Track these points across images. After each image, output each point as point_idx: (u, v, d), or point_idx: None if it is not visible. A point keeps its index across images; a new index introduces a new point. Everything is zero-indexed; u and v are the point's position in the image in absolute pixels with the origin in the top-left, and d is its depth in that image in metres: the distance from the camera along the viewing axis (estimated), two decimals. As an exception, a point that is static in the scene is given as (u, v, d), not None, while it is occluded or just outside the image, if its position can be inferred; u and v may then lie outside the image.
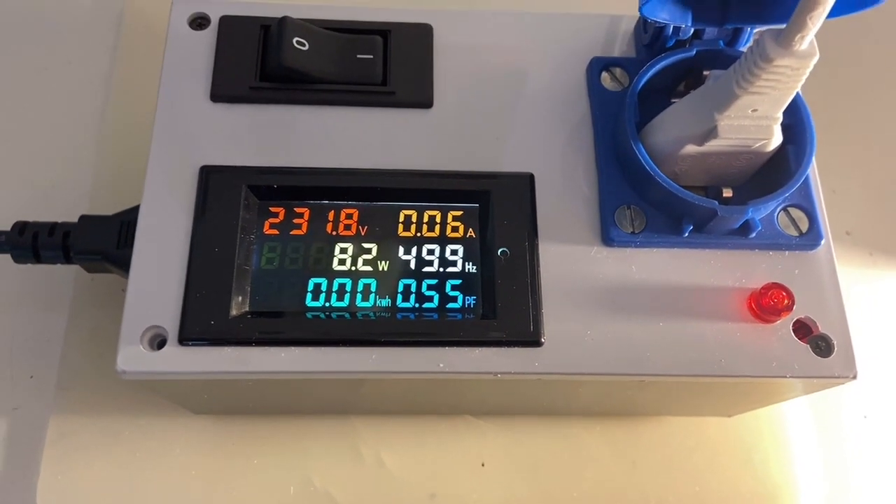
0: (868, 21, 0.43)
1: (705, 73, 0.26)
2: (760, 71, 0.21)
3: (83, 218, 0.31)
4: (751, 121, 0.23)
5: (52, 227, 0.30)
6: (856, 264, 0.39)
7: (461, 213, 0.26)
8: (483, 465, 0.34)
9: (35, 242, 0.30)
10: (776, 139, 0.24)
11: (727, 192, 0.26)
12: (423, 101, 0.28)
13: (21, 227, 0.31)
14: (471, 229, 0.26)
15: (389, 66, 0.28)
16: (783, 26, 0.21)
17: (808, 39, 0.20)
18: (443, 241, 0.26)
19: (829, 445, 0.35)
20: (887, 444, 0.35)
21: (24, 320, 0.35)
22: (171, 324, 0.24)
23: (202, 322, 0.24)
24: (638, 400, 0.31)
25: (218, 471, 0.33)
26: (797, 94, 0.26)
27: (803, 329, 0.25)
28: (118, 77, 0.40)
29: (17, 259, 0.31)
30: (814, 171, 0.27)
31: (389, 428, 0.34)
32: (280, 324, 0.24)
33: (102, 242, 0.30)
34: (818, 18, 0.19)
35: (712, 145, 0.24)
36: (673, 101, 0.28)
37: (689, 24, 0.26)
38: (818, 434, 0.35)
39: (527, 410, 0.34)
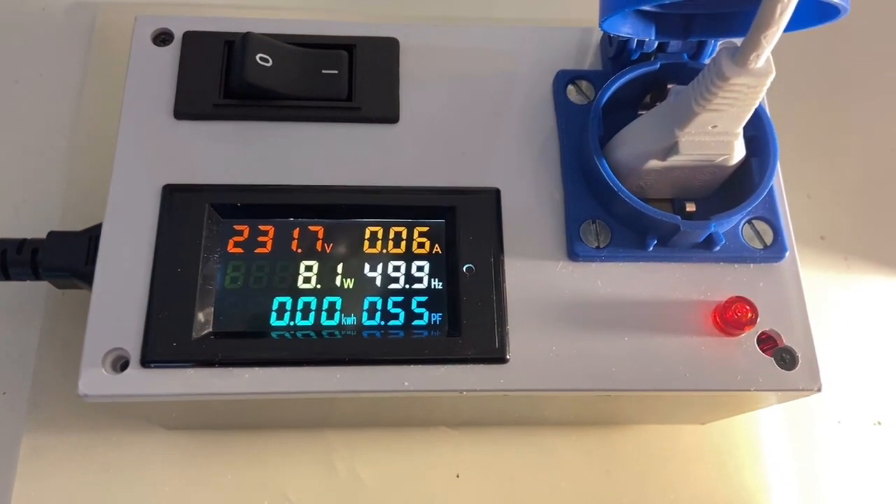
0: (841, 24, 0.43)
1: (669, 86, 0.26)
2: (717, 89, 0.21)
3: (51, 234, 0.30)
4: (711, 137, 0.23)
5: (21, 244, 0.30)
6: (830, 269, 0.39)
7: (427, 228, 0.26)
8: (458, 476, 0.34)
9: (3, 259, 0.30)
10: (738, 153, 0.24)
11: (690, 207, 0.26)
12: (389, 116, 0.28)
13: (-12, 245, 0.30)
14: (437, 245, 0.26)
15: (355, 81, 0.28)
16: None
17: (763, 57, 0.20)
18: (409, 257, 0.26)
19: (804, 452, 0.35)
20: (861, 449, 0.36)
21: (-5, 337, 0.35)
22: (133, 345, 0.24)
23: (165, 343, 0.24)
24: (610, 410, 0.31)
25: (192, 486, 0.32)
26: (760, 106, 0.26)
27: (768, 342, 0.25)
28: (90, 89, 0.39)
29: (-14, 276, 0.31)
30: (779, 182, 0.27)
31: (364, 440, 0.34)
32: (244, 344, 0.24)
33: (71, 259, 0.29)
34: (773, 37, 0.19)
35: (674, 160, 0.24)
36: (639, 113, 0.28)
37: (653, 38, 0.26)
38: (792, 440, 0.35)
39: (500, 421, 0.34)
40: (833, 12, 0.21)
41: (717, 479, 0.34)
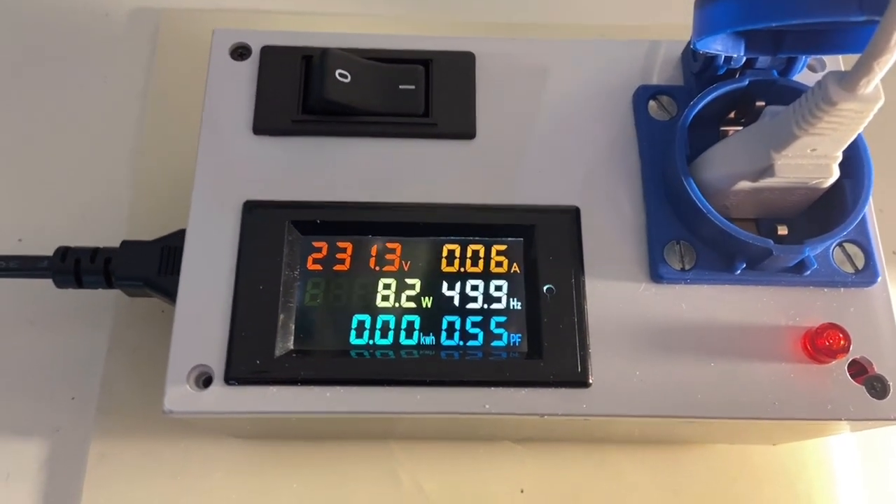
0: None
1: (758, 103, 0.26)
2: (823, 113, 0.20)
3: (125, 243, 0.31)
4: (809, 160, 0.22)
5: (94, 253, 0.31)
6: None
7: (505, 247, 0.26)
8: (522, 491, 0.33)
9: (77, 268, 0.30)
10: (834, 176, 0.23)
11: (782, 230, 0.25)
12: (466, 132, 0.27)
13: (63, 253, 0.31)
14: (515, 264, 0.26)
15: (431, 97, 0.28)
16: (838, 56, 0.20)
17: (873, 83, 0.19)
18: (487, 276, 0.26)
19: (876, 475, 0.34)
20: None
21: (65, 342, 0.35)
22: (216, 362, 0.24)
23: (248, 361, 0.24)
24: (682, 431, 0.30)
25: (258, 494, 0.33)
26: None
27: (859, 369, 0.24)
28: (154, 94, 0.40)
29: (60, 284, 0.31)
30: (870, 204, 0.26)
31: (428, 453, 0.34)
32: (324, 363, 0.24)
33: (144, 268, 0.30)
34: (885, 64, 0.19)
35: (767, 182, 0.23)
36: (722, 129, 0.27)
37: (742, 54, 0.25)
38: (863, 464, 0.34)
39: (567, 438, 0.33)
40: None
41: (787, 500, 0.33)
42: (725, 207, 0.26)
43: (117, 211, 0.37)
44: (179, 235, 0.27)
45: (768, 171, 0.23)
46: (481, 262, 0.26)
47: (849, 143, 0.22)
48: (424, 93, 0.28)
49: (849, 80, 0.20)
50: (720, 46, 0.24)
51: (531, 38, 0.29)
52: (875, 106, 0.20)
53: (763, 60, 0.26)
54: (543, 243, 0.26)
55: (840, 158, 0.23)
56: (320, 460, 0.33)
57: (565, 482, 0.33)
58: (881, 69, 0.19)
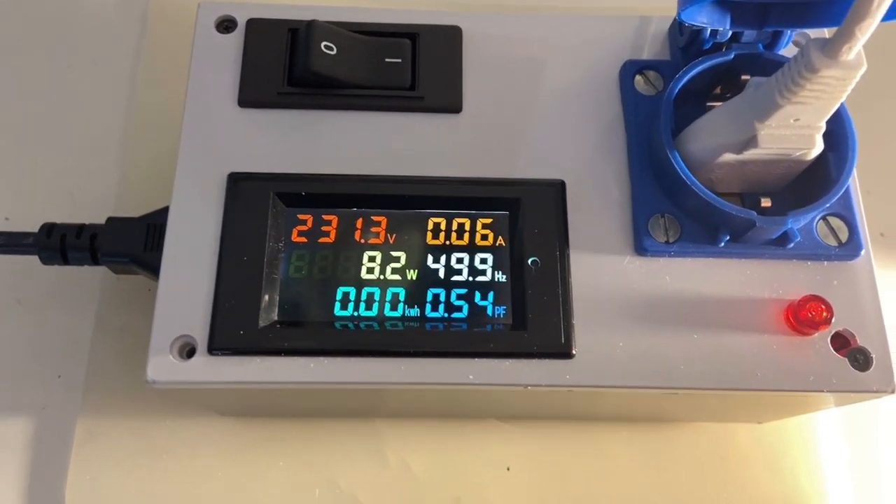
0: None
1: (743, 77, 0.26)
2: (805, 81, 0.20)
3: (110, 220, 0.31)
4: (792, 130, 0.22)
5: (80, 229, 0.30)
6: (891, 266, 0.38)
7: (491, 220, 0.26)
8: (508, 469, 0.33)
9: (63, 244, 0.30)
10: (818, 148, 0.24)
11: (766, 202, 0.25)
12: (452, 105, 0.27)
13: (49, 229, 0.31)
14: (500, 237, 0.26)
15: (418, 70, 0.28)
16: (824, 30, 0.20)
17: (855, 50, 0.19)
18: (472, 249, 0.26)
19: (861, 453, 0.34)
20: (920, 452, 0.35)
21: (51, 320, 0.35)
22: (200, 333, 0.24)
23: (231, 332, 0.24)
24: (667, 408, 0.30)
25: (244, 472, 0.33)
26: (839, 98, 0.25)
27: (841, 342, 0.25)
28: (143, 75, 0.40)
29: (45, 260, 0.31)
30: (854, 178, 0.26)
31: (415, 431, 0.34)
32: (309, 334, 0.24)
33: (130, 245, 0.30)
34: (867, 29, 0.19)
35: (751, 154, 0.23)
36: (708, 104, 0.27)
37: (728, 28, 0.25)
38: (848, 441, 0.34)
39: (553, 416, 0.33)
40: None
41: (772, 479, 0.33)
42: (710, 181, 0.26)
43: (105, 189, 0.37)
44: (165, 212, 0.27)
45: (752, 141, 0.23)
46: (467, 235, 0.26)
47: (832, 112, 0.22)
48: (411, 66, 0.28)
49: (831, 47, 0.20)
50: (705, 19, 0.24)
51: (518, 13, 0.29)
52: (857, 73, 0.20)
53: (749, 34, 0.26)
54: (529, 216, 0.26)
55: (823, 129, 0.23)
56: (307, 439, 0.33)
57: (551, 460, 0.34)
58: (863, 35, 0.19)
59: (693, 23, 0.24)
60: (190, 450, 0.33)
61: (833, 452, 0.34)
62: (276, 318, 0.24)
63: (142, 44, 0.41)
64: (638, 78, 0.28)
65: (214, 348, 0.23)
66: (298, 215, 0.26)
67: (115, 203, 0.37)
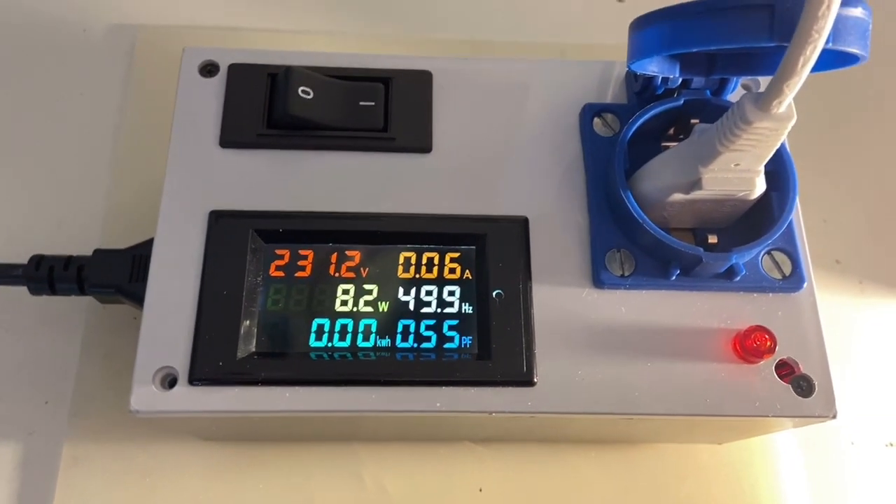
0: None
1: (692, 121, 0.27)
2: (741, 132, 0.22)
3: (97, 252, 0.32)
4: (733, 174, 0.24)
5: (67, 261, 0.32)
6: (846, 293, 0.40)
7: (458, 254, 0.28)
8: (481, 490, 0.35)
9: (51, 276, 0.32)
10: (759, 189, 0.25)
11: (712, 238, 0.27)
12: (423, 146, 0.29)
13: (38, 261, 0.32)
14: (468, 271, 0.27)
15: (390, 112, 0.29)
16: (767, 78, 0.22)
17: (785, 104, 0.21)
18: (441, 282, 0.27)
19: (817, 472, 0.36)
20: (874, 469, 0.36)
21: (39, 347, 0.36)
22: (181, 364, 0.25)
23: (211, 363, 0.25)
24: (630, 430, 0.32)
25: (226, 495, 0.34)
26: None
27: (786, 369, 0.26)
28: (129, 109, 0.41)
29: (34, 291, 0.32)
30: (798, 214, 0.28)
31: (391, 454, 0.35)
32: (285, 364, 0.26)
33: (116, 276, 0.31)
34: (794, 86, 0.21)
35: (697, 194, 0.25)
36: (663, 144, 0.29)
37: (677, 76, 0.27)
38: (806, 460, 0.36)
39: (523, 438, 0.35)
40: (852, 59, 0.22)
41: (733, 497, 0.35)
42: (664, 218, 0.27)
43: (92, 221, 0.38)
44: (150, 244, 0.28)
45: (697, 184, 0.25)
46: (436, 269, 0.27)
47: (769, 157, 0.24)
48: (384, 109, 0.29)
49: (763, 101, 0.21)
50: (656, 68, 0.26)
51: (486, 58, 0.31)
52: (788, 124, 0.22)
53: (698, 81, 0.28)
54: (494, 251, 0.27)
55: (762, 172, 0.25)
56: (286, 462, 0.34)
57: (522, 481, 0.35)
58: (791, 91, 0.21)
59: (643, 72, 0.26)
60: (174, 474, 0.34)
61: (791, 471, 0.36)
62: (253, 349, 0.26)
63: (130, 77, 0.42)
64: (596, 120, 0.29)
65: (195, 379, 0.25)
66: (276, 250, 0.27)
67: (102, 234, 0.38)
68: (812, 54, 0.19)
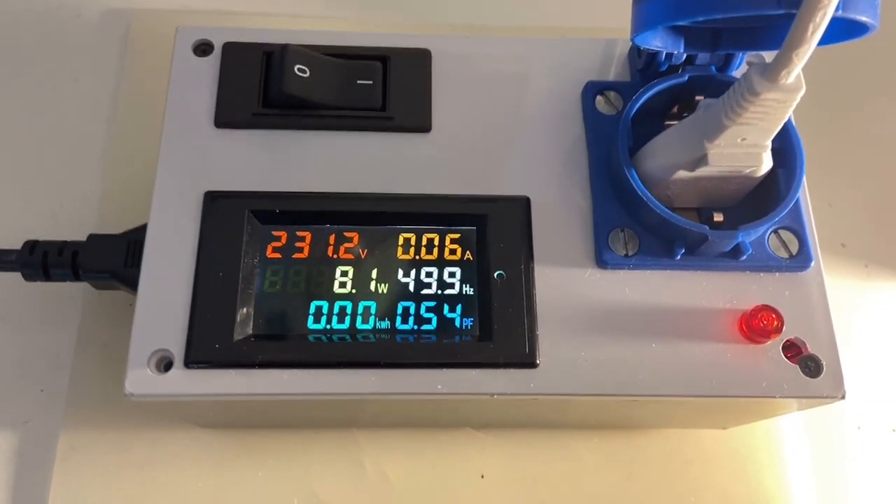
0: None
1: (697, 98, 0.27)
2: (748, 104, 0.22)
3: (91, 237, 0.31)
4: (740, 149, 0.24)
5: (62, 247, 0.31)
6: (851, 276, 0.40)
7: (459, 235, 0.27)
8: (483, 476, 0.34)
9: (45, 261, 0.31)
10: (766, 165, 0.25)
11: (718, 217, 0.27)
12: (422, 125, 0.28)
13: (31, 247, 0.31)
14: (468, 252, 0.27)
15: (389, 92, 0.29)
16: (773, 53, 0.21)
17: (794, 74, 0.21)
18: (441, 263, 0.27)
19: (823, 456, 0.36)
20: (880, 454, 0.36)
21: (34, 335, 0.36)
22: (177, 347, 0.25)
23: (207, 345, 0.25)
24: (634, 414, 0.31)
25: (225, 483, 0.33)
26: (788, 118, 0.26)
27: (793, 350, 0.26)
28: (124, 94, 0.41)
29: (28, 277, 0.32)
30: (804, 193, 0.28)
31: (392, 441, 0.34)
32: (282, 347, 0.25)
33: (111, 261, 0.30)
34: (804, 55, 0.20)
35: (703, 171, 0.25)
36: (667, 123, 0.29)
37: (682, 51, 0.26)
38: (812, 445, 0.36)
39: (526, 424, 0.34)
40: (862, 29, 0.21)
41: (738, 483, 0.35)
42: (668, 196, 0.27)
43: (88, 209, 0.38)
44: (145, 229, 0.28)
45: (703, 160, 0.24)
46: (436, 250, 0.27)
47: (776, 131, 0.23)
48: (382, 88, 0.29)
49: (771, 72, 0.21)
50: (659, 43, 0.25)
51: (486, 37, 0.30)
52: (797, 95, 0.21)
53: (703, 57, 0.27)
54: (495, 231, 0.27)
55: (769, 147, 0.24)
56: (286, 450, 0.34)
57: (524, 467, 0.34)
58: (800, 60, 0.20)
59: (647, 47, 0.25)
60: (171, 462, 0.33)
61: (797, 456, 0.35)
62: (251, 331, 0.25)
63: (124, 63, 0.41)
64: (599, 98, 0.29)
65: (191, 362, 0.24)
66: (273, 232, 0.27)
67: (98, 220, 0.37)
68: (822, 21, 0.19)
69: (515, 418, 0.33)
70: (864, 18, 0.20)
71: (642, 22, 0.23)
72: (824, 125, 0.43)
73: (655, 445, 0.35)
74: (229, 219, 0.26)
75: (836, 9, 0.19)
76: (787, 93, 0.21)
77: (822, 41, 0.21)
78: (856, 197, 0.41)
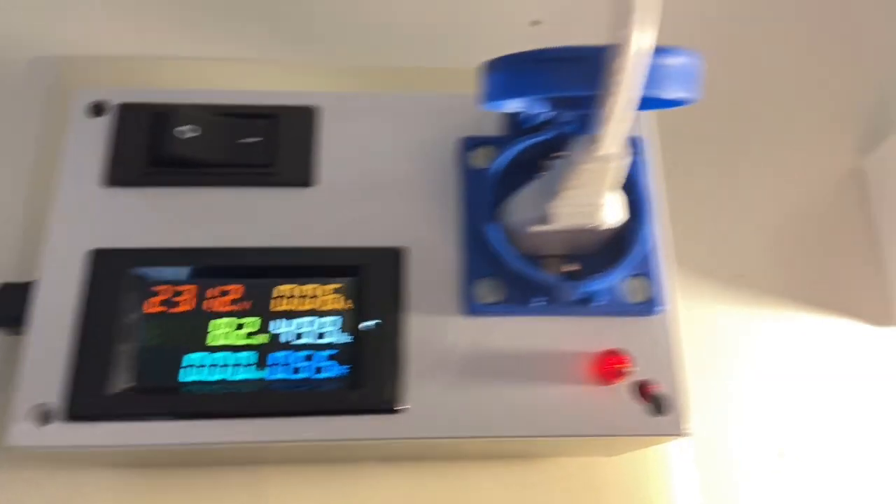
0: (762, 78, 0.45)
1: (553, 155, 0.29)
2: (574, 170, 0.23)
3: (5, 285, 0.33)
4: (577, 208, 0.25)
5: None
6: (747, 305, 0.42)
7: (336, 286, 0.29)
8: (385, 508, 0.36)
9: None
10: (611, 218, 0.27)
11: (571, 267, 0.28)
12: (306, 179, 0.30)
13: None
14: (345, 302, 0.28)
15: (275, 148, 0.30)
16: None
17: (608, 147, 0.23)
18: (318, 314, 0.28)
19: (711, 481, 0.37)
20: (764, 478, 0.38)
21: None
22: (57, 400, 0.26)
23: (87, 399, 0.26)
24: (521, 447, 0.33)
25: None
26: (638, 174, 0.28)
27: (643, 390, 0.27)
28: (48, 142, 0.42)
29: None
30: (662, 239, 0.29)
31: (297, 476, 0.36)
32: (160, 399, 0.26)
33: (22, 309, 0.32)
34: (614, 132, 0.22)
35: (551, 227, 0.26)
36: (538, 175, 0.31)
37: (544, 111, 0.28)
38: (700, 470, 0.37)
39: (426, 456, 0.36)
40: (679, 102, 0.23)
41: (629, 507, 0.36)
42: (535, 246, 0.29)
43: (7, 256, 0.39)
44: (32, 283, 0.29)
45: (548, 218, 0.26)
46: (313, 301, 0.28)
47: (606, 192, 0.25)
48: (269, 144, 0.30)
49: (589, 145, 0.23)
50: (519, 105, 0.27)
51: (370, 93, 0.32)
52: (614, 164, 0.23)
53: (568, 114, 0.29)
54: (371, 282, 0.28)
55: (605, 204, 0.26)
56: (195, 487, 0.35)
57: (427, 498, 0.36)
58: (610, 136, 0.22)
59: (500, 111, 0.27)
60: (82, 500, 0.35)
61: (685, 482, 0.37)
62: (129, 384, 0.27)
63: (48, 112, 0.43)
64: (472, 153, 0.31)
65: (70, 414, 0.26)
66: (155, 287, 0.28)
67: (18, 268, 0.38)
68: (625, 104, 0.21)
69: (412, 453, 0.34)
70: (674, 96, 0.22)
71: (485, 93, 0.24)
72: (724, 162, 0.45)
73: (550, 474, 0.37)
74: (112, 276, 0.28)
75: (646, 88, 0.21)
76: (604, 162, 0.23)
77: (648, 107, 0.23)
78: (753, 230, 0.43)
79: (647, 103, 0.23)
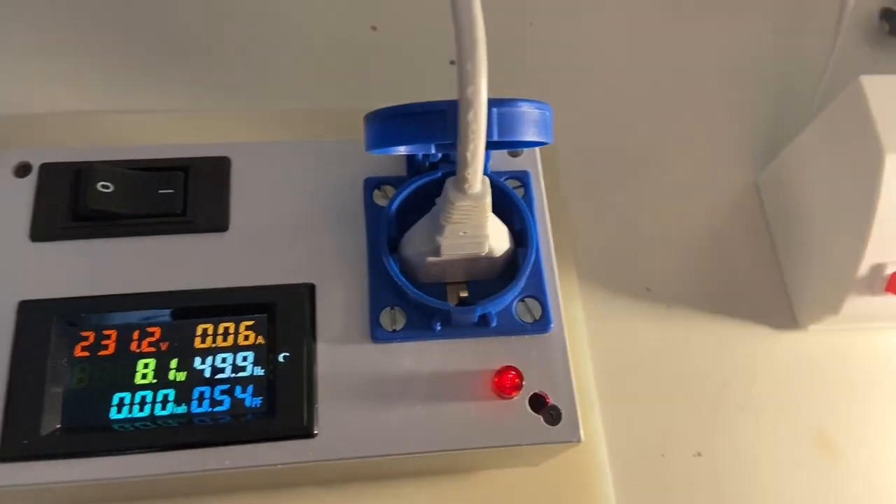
0: (665, 102, 0.49)
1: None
2: (450, 208, 0.26)
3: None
4: (464, 240, 0.28)
5: None
6: (654, 318, 0.44)
7: (251, 322, 0.31)
8: (323, 530, 0.38)
9: None
10: (499, 247, 0.29)
11: (462, 293, 0.31)
12: (220, 225, 0.32)
13: None
14: (260, 336, 0.31)
15: (189, 197, 0.33)
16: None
17: (473, 187, 0.25)
18: (235, 349, 0.30)
19: (630, 483, 0.40)
20: (683, 479, 0.40)
21: None
22: (-10, 443, 0.28)
23: (17, 440, 0.28)
24: (447, 461, 0.35)
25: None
26: (522, 204, 0.31)
27: (537, 402, 0.30)
28: None
29: None
30: (549, 263, 0.32)
31: (237, 504, 0.38)
32: (88, 437, 0.28)
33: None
34: (473, 174, 0.24)
35: (446, 257, 0.29)
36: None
37: (432, 152, 0.31)
38: (619, 473, 0.40)
39: (359, 477, 0.38)
40: (532, 143, 0.26)
41: (554, 515, 0.39)
42: (437, 274, 0.31)
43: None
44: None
45: (439, 250, 0.28)
46: (231, 338, 0.30)
47: (487, 224, 0.28)
48: (183, 194, 0.33)
49: (458, 184, 0.25)
50: (402, 150, 0.30)
51: (280, 142, 0.35)
52: (484, 201, 0.26)
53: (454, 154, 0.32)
54: (283, 317, 0.31)
55: (489, 235, 0.28)
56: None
57: (361, 516, 0.38)
58: (472, 177, 0.25)
59: (386, 154, 0.29)
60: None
61: (604, 486, 0.39)
62: (58, 425, 0.29)
63: None
64: (376, 192, 0.33)
65: (1, 456, 0.28)
66: (81, 332, 0.30)
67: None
68: (477, 150, 0.23)
69: (340, 474, 0.36)
70: (525, 139, 0.25)
71: (366, 141, 0.27)
72: (628, 186, 0.48)
73: (479, 486, 0.39)
74: (41, 324, 0.30)
75: (491, 135, 0.24)
76: (475, 200, 0.26)
77: (505, 148, 0.26)
78: (659, 243, 0.46)
79: (510, 145, 0.26)
